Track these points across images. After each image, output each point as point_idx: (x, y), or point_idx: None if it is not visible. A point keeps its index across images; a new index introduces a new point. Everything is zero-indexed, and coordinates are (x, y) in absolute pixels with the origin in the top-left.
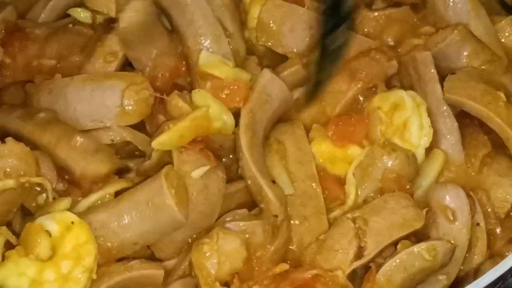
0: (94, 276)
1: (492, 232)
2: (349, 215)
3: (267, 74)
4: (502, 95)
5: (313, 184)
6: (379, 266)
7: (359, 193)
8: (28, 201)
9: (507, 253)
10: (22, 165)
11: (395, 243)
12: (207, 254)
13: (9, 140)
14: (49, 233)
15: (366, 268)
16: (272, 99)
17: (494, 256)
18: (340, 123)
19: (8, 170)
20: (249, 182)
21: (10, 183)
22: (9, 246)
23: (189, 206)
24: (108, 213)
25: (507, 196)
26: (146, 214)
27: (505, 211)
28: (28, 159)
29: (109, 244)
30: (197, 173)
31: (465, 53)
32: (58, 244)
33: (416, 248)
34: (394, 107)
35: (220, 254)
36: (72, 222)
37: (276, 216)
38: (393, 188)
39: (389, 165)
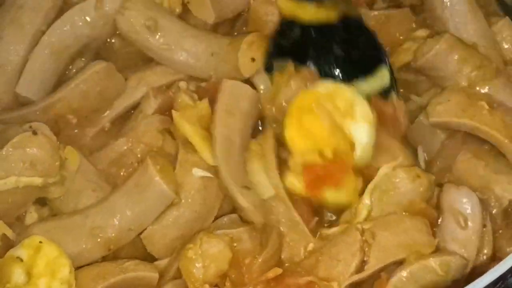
0: None
1: None
2: (359, 226)
3: (226, 82)
4: (483, 103)
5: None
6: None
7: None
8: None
9: (506, 251)
10: (48, 159)
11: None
12: (193, 259)
13: (40, 133)
14: (20, 259)
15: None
16: (242, 104)
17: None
18: (313, 173)
19: (34, 160)
20: (227, 192)
21: (39, 181)
22: (5, 239)
23: (185, 204)
24: (101, 207)
25: (505, 193)
26: (134, 195)
27: (502, 208)
28: (54, 154)
29: (106, 237)
30: (197, 172)
31: (453, 61)
32: (32, 265)
33: (429, 262)
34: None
35: (205, 257)
36: (41, 242)
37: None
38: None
39: (411, 192)
